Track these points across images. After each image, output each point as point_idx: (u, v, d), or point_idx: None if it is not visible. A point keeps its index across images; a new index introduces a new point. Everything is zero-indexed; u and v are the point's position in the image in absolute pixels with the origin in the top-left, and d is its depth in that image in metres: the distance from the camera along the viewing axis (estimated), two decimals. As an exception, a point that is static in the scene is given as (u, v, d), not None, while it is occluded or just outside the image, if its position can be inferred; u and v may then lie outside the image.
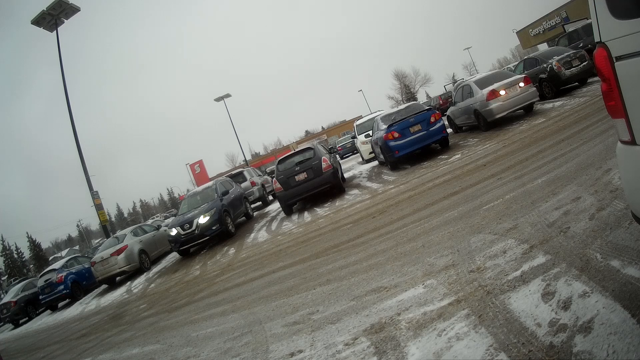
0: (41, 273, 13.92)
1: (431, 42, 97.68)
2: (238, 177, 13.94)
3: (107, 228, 16.34)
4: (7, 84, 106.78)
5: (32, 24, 15.48)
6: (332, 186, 9.25)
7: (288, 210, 9.75)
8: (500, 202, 3.93)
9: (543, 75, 10.01)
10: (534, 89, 8.95)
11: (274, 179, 9.77)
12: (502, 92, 8.67)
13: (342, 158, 22.96)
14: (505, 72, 10.21)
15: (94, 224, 62.34)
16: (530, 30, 33.13)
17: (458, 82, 19.38)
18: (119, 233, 13.01)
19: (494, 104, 8.69)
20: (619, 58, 1.58)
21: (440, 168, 7.32)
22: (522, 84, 8.73)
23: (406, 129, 8.73)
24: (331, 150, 12.36)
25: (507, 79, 9.02)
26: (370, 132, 12.11)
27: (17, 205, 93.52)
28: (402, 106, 11.22)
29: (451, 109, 11.30)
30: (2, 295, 22.24)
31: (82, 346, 5.89)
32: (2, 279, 47.45)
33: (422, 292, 2.77)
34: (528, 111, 9.24)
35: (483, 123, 9.17)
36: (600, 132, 4.97)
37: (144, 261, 11.03)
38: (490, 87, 8.86)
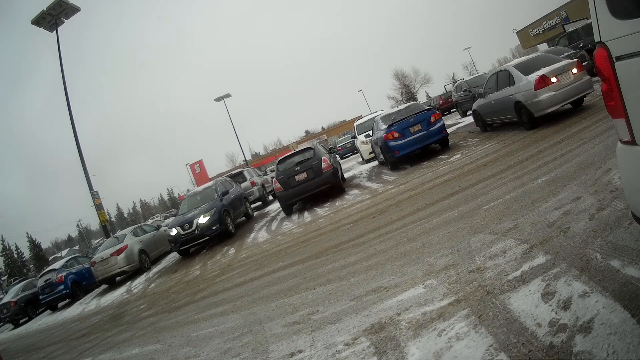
0: (41, 273, 13.92)
1: (431, 42, 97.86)
2: (238, 177, 13.95)
3: (107, 228, 16.35)
4: (7, 82, 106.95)
5: (32, 24, 15.49)
6: (332, 186, 9.25)
7: (288, 210, 9.75)
8: (500, 202, 3.93)
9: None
10: (588, 77, 7.11)
11: (274, 179, 9.77)
12: (554, 80, 6.78)
13: (342, 158, 22.97)
14: (551, 56, 8.24)
15: (94, 224, 62.41)
16: (530, 30, 33.14)
17: (458, 81, 19.33)
18: (119, 233, 13.00)
19: (544, 95, 6.72)
20: (619, 58, 1.58)
21: (440, 168, 7.32)
22: (575, 71, 6.91)
23: (406, 129, 8.72)
24: (331, 150, 12.36)
25: (557, 64, 7.10)
26: (370, 132, 12.10)
27: (17, 205, 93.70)
28: (402, 106, 11.19)
29: (479, 102, 9.21)
30: (2, 295, 22.25)
31: (82, 346, 5.89)
32: (2, 279, 47.43)
33: (422, 292, 2.77)
34: (576, 106, 7.52)
35: (527, 119, 7.22)
36: (600, 132, 4.97)
37: (144, 261, 11.02)
38: (540, 72, 6.95)
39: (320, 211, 8.43)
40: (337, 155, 19.77)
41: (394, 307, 2.73)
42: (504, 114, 8.08)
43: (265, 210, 12.72)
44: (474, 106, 9.66)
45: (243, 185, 13.33)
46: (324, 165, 9.08)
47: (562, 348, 1.72)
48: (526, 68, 7.40)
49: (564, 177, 3.89)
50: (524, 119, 7.37)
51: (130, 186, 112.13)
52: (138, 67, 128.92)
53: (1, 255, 51.75)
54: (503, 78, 7.92)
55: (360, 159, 15.39)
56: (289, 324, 3.24)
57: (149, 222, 30.24)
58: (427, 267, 3.16)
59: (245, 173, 14.31)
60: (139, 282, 9.79)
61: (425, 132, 8.67)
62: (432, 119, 8.79)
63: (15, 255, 53.04)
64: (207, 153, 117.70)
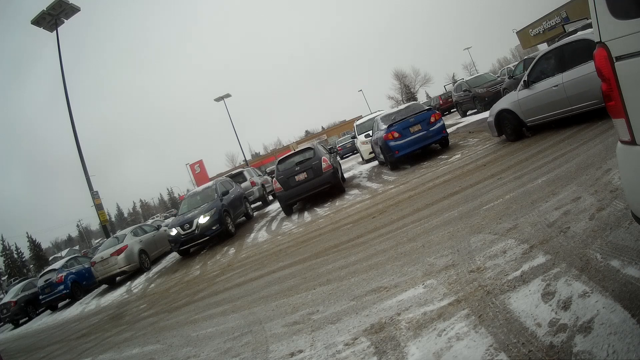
0: (41, 273, 13.92)
1: (431, 42, 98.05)
2: (238, 177, 13.95)
3: (107, 228, 16.36)
4: (7, 82, 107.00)
5: (32, 24, 15.50)
6: (332, 186, 9.25)
7: (288, 210, 9.75)
8: (500, 202, 3.93)
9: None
10: None
11: (274, 179, 9.78)
12: None
13: (342, 158, 22.97)
14: None
15: (94, 224, 62.38)
16: (530, 30, 33.10)
17: (458, 81, 19.33)
18: (119, 233, 13.01)
19: None
20: (619, 58, 1.58)
21: (440, 168, 7.32)
22: None
23: (406, 129, 8.72)
24: (331, 150, 12.36)
25: None
26: (370, 132, 12.10)
27: (17, 205, 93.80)
28: (402, 106, 11.19)
29: (514, 97, 6.70)
30: (2, 295, 22.25)
31: (82, 346, 5.89)
32: (2, 279, 47.42)
33: (422, 292, 2.77)
34: None
35: None
36: (600, 132, 4.97)
37: (144, 261, 11.03)
38: None
39: (320, 211, 8.43)
40: (337, 155, 19.77)
41: (394, 307, 2.73)
42: (581, 100, 5.59)
43: (265, 210, 12.72)
44: (504, 105, 6.90)
45: (243, 185, 13.33)
46: (324, 165, 9.08)
47: (562, 348, 1.72)
48: None
49: (564, 177, 3.89)
50: None
51: (130, 186, 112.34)
52: (138, 67, 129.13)
53: (1, 255, 51.71)
54: (577, 51, 5.55)
55: (360, 159, 15.39)
56: (289, 324, 3.24)
57: (149, 222, 30.24)
58: (427, 267, 3.16)
59: (245, 173, 14.31)
60: (139, 282, 9.79)
61: (425, 132, 8.67)
62: (432, 119, 8.79)
63: (15, 255, 52.99)
64: (207, 153, 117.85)
